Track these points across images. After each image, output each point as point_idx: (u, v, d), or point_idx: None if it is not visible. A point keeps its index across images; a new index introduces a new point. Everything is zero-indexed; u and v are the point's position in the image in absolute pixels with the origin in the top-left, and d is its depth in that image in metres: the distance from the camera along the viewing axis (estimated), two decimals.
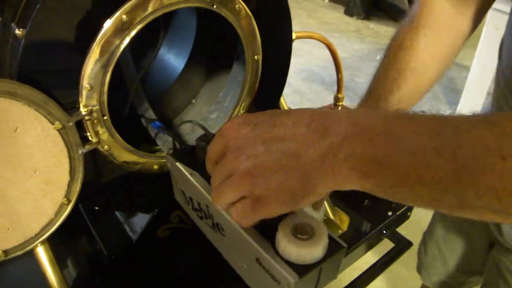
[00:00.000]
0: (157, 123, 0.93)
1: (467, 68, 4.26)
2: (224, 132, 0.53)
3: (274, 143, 0.48)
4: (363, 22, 5.66)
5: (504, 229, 0.96)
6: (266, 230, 0.56)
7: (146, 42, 1.05)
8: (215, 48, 1.06)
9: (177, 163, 0.69)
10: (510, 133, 0.41)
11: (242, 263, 0.61)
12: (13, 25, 0.67)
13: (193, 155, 0.70)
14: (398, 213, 1.14)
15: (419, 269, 1.39)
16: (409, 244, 1.16)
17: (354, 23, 5.59)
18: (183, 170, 0.68)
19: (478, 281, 1.26)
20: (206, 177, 0.62)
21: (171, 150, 0.83)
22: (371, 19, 5.73)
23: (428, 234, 1.34)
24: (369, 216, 1.11)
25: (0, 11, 0.76)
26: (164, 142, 0.87)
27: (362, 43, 5.01)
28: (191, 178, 0.66)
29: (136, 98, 0.97)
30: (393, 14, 5.64)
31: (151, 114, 0.96)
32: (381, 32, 5.41)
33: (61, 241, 0.86)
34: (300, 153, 0.46)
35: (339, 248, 0.55)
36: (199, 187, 0.64)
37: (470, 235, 1.19)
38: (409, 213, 1.21)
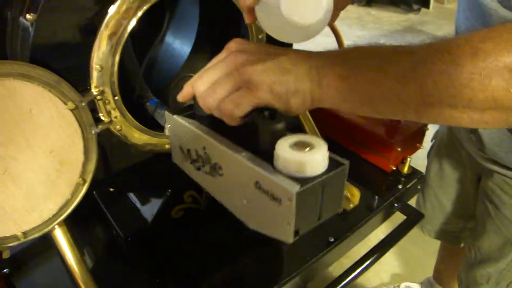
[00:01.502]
0: (154, 99, 0.93)
1: None
2: (227, 45, 0.59)
3: (274, 54, 0.56)
4: (364, 9, 5.63)
5: (484, 141, 0.99)
6: (266, 156, 0.55)
7: (153, 29, 1.06)
8: (219, 32, 1.07)
9: (174, 116, 0.70)
10: (453, 41, 0.51)
11: (241, 199, 0.59)
12: (21, 18, 0.69)
13: (190, 109, 0.70)
14: (408, 186, 1.15)
15: (422, 224, 1.42)
16: (420, 216, 1.17)
17: (355, 10, 5.57)
18: (179, 119, 0.68)
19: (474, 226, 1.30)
20: (203, 122, 0.65)
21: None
22: (372, 5, 5.70)
23: (425, 186, 1.38)
24: (380, 190, 1.12)
25: (8, 6, 0.77)
26: (162, 116, 0.88)
27: (364, 29, 4.99)
28: (187, 124, 0.67)
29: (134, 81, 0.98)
30: None
31: (148, 93, 0.97)
32: (383, 18, 5.39)
33: (76, 227, 0.88)
34: (296, 63, 0.55)
35: (340, 164, 0.54)
36: (196, 129, 0.65)
37: (462, 173, 1.24)
38: (419, 186, 1.22)
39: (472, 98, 0.50)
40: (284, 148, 0.52)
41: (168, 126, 0.73)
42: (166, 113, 0.72)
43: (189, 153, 0.69)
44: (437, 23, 5.21)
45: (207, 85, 0.58)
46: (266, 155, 0.55)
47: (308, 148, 0.52)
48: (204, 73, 0.58)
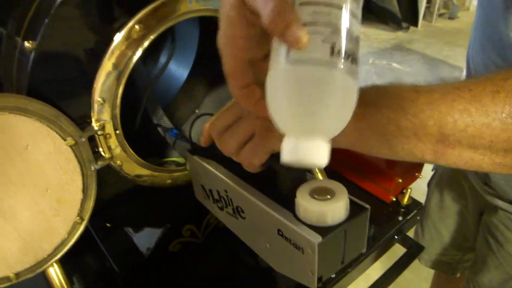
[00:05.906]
0: (174, 131, 0.91)
1: (459, 68, 4.28)
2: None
3: None
4: None
5: (490, 173, 0.97)
6: (286, 202, 0.54)
7: (151, 53, 1.03)
8: (218, 56, 1.04)
9: (194, 156, 0.69)
10: (475, 79, 0.49)
11: (265, 243, 0.59)
12: (17, 38, 0.65)
13: (210, 149, 0.70)
14: (408, 217, 1.13)
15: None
16: (420, 248, 1.14)
17: None
18: (200, 161, 0.68)
19: (472, 259, 1.28)
20: (223, 164, 0.65)
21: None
22: (362, 22, 5.74)
23: (424, 217, 1.37)
24: (379, 222, 1.09)
25: (3, 24, 0.74)
26: (182, 149, 0.86)
27: None
28: (208, 166, 0.66)
29: (149, 108, 0.95)
30: (383, 17, 5.65)
31: (166, 122, 0.94)
32: (372, 35, 5.42)
33: (69, 259, 0.84)
34: None
35: (362, 210, 0.53)
36: (216, 172, 0.64)
37: (463, 206, 1.22)
38: (418, 217, 1.20)
39: (494, 139, 0.48)
40: (304, 197, 0.51)
41: (188, 165, 0.73)
42: (187, 154, 0.72)
43: (211, 193, 0.69)
44: (425, 42, 5.26)
45: (224, 129, 0.55)
46: (287, 202, 0.54)
47: (328, 196, 0.51)
48: (221, 115, 0.56)
